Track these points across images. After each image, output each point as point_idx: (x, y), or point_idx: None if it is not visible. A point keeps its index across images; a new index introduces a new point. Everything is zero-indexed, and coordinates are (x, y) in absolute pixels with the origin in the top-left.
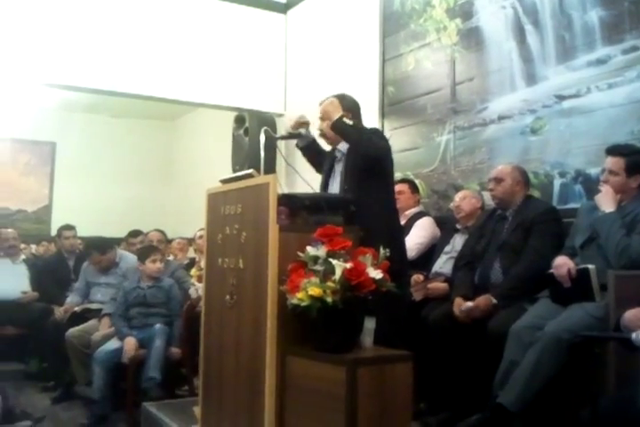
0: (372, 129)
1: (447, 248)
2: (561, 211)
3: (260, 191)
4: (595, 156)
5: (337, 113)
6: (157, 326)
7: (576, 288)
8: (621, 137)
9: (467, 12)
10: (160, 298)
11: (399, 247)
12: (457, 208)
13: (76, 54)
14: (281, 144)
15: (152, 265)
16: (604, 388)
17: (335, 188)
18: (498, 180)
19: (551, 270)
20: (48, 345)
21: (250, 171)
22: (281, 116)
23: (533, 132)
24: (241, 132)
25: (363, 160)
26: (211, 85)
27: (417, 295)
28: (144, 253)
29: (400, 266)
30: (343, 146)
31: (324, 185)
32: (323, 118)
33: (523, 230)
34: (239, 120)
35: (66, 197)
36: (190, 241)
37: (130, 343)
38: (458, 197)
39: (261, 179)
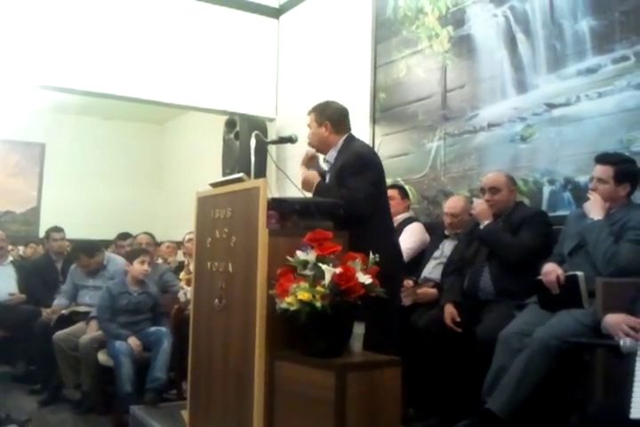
0: (347, 166)
1: (436, 254)
2: (550, 218)
3: (250, 195)
4: (584, 164)
5: (310, 187)
6: (164, 328)
7: (564, 295)
8: (610, 145)
9: (458, 20)
10: (148, 304)
11: (391, 252)
12: (447, 216)
13: (68, 56)
14: (272, 148)
15: (139, 266)
16: (592, 394)
17: None
18: (494, 190)
19: (540, 277)
20: (35, 348)
21: (240, 175)
22: (272, 120)
23: (523, 139)
24: (232, 135)
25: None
26: (202, 89)
27: (406, 300)
28: (133, 254)
29: (391, 271)
30: (331, 156)
31: None
32: (309, 127)
33: (512, 233)
34: (230, 124)
35: (54, 198)
36: (179, 244)
37: (135, 342)
38: (448, 205)
39: (252, 183)
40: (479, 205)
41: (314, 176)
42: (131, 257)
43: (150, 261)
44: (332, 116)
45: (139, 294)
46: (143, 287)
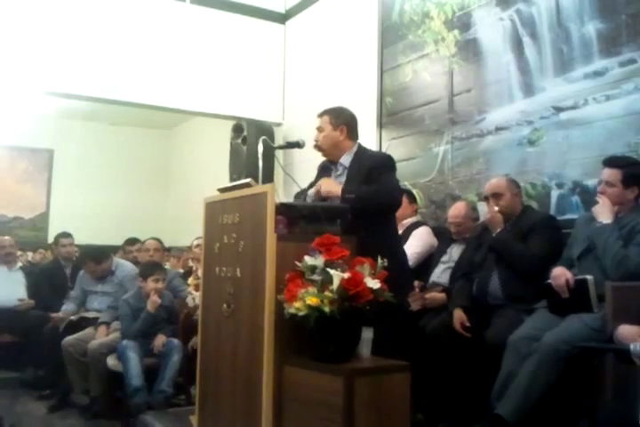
0: (378, 166)
1: (444, 258)
2: (558, 222)
3: (257, 200)
4: (592, 167)
5: (337, 189)
6: (175, 340)
7: (574, 299)
8: (618, 149)
9: (465, 24)
10: (164, 317)
11: (399, 258)
12: (451, 225)
13: (75, 62)
14: (279, 153)
15: (153, 284)
16: (602, 399)
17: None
18: (497, 195)
19: (549, 281)
20: (44, 353)
21: (248, 180)
22: (279, 125)
23: (531, 143)
24: (239, 140)
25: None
26: (209, 94)
27: (415, 305)
28: (147, 270)
29: (400, 276)
30: (346, 160)
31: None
32: (319, 130)
33: (521, 238)
34: (237, 129)
35: (63, 204)
36: (187, 249)
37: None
38: (450, 214)
39: (259, 188)
40: (490, 212)
41: (334, 184)
42: (145, 273)
43: (164, 278)
44: (348, 122)
45: (155, 309)
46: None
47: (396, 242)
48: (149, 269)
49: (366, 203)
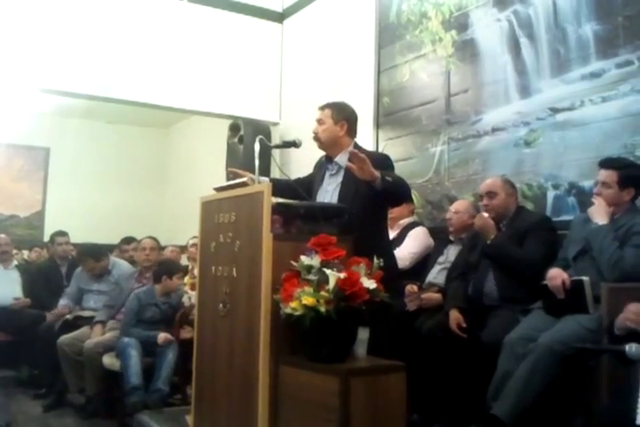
0: (380, 166)
1: (441, 259)
2: (554, 223)
3: (254, 200)
4: (588, 168)
5: (375, 172)
6: (171, 338)
7: (570, 300)
8: (614, 150)
9: (462, 24)
10: (169, 315)
11: (389, 258)
12: (450, 213)
13: (71, 60)
14: (275, 153)
15: (178, 281)
16: (597, 400)
17: (324, 199)
18: (491, 194)
19: (545, 282)
20: (40, 352)
21: (244, 179)
22: (276, 124)
23: (527, 144)
24: (235, 140)
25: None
26: (206, 93)
27: (411, 305)
28: (172, 268)
29: (389, 276)
30: (342, 159)
31: (310, 192)
32: (320, 122)
33: (517, 240)
34: (234, 128)
35: (59, 202)
36: (183, 249)
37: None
38: (454, 206)
39: (256, 187)
40: (480, 218)
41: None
42: (170, 271)
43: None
44: (349, 118)
45: (163, 304)
46: (168, 298)
47: (388, 242)
48: (174, 267)
49: (397, 190)
